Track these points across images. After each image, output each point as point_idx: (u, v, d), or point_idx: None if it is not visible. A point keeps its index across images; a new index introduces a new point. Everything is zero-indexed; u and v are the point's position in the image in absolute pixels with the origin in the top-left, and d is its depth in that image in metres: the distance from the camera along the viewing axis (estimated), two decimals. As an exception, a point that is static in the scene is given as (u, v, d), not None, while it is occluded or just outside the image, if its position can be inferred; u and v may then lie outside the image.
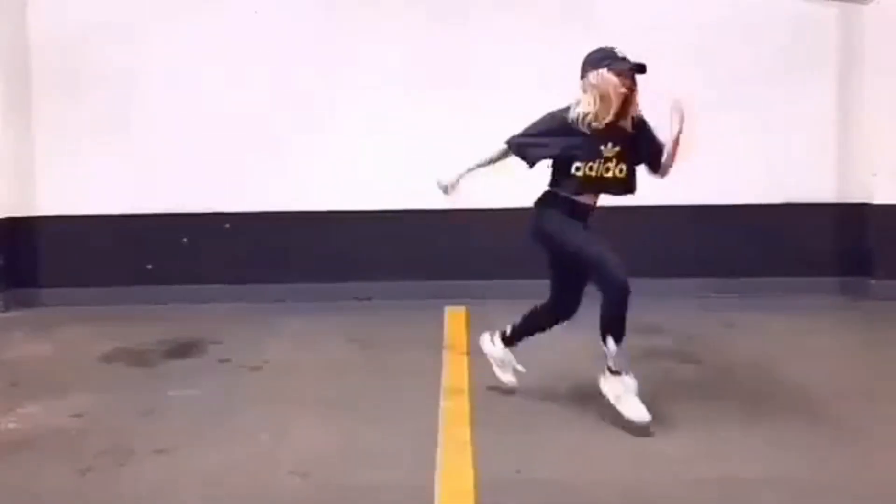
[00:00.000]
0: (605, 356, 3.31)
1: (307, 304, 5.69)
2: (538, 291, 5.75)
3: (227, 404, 3.70)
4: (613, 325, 3.27)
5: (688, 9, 5.82)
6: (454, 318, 5.24)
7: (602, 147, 3.34)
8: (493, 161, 3.62)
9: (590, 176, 3.36)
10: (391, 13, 5.83)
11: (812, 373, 4.10)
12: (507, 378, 3.77)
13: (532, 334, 3.78)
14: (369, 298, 5.88)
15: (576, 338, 4.70)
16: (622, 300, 3.24)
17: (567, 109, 3.43)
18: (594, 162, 3.34)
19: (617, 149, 3.36)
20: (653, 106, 3.57)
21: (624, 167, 3.41)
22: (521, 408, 3.60)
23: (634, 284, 5.80)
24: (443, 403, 3.65)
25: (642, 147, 3.46)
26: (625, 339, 3.28)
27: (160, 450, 3.15)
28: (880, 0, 5.70)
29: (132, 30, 5.82)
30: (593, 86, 3.35)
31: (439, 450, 3.12)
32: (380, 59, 5.85)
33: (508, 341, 3.83)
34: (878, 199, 5.78)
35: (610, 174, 3.38)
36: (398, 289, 5.86)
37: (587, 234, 3.41)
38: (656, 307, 5.46)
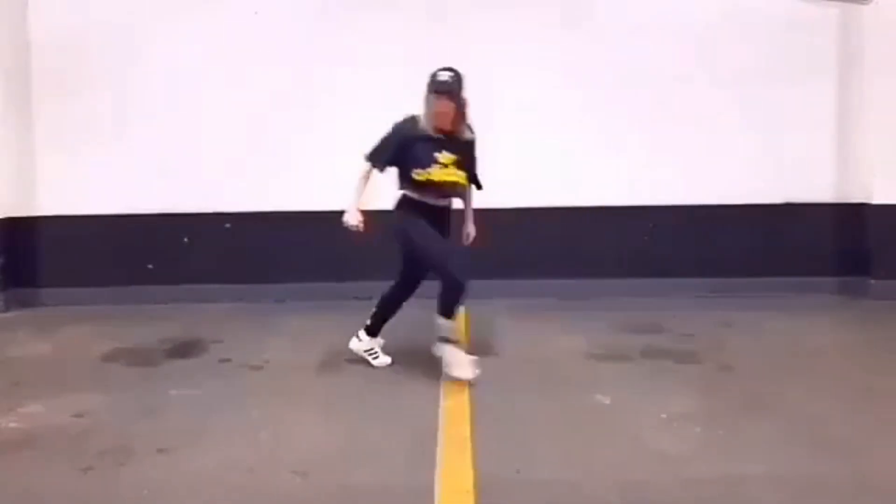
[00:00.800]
0: (439, 328, 3.98)
1: (307, 303, 5.69)
2: (538, 291, 5.83)
3: (227, 404, 3.70)
4: (449, 309, 3.95)
5: (688, 9, 5.83)
6: (454, 317, 5.24)
7: (437, 154, 3.83)
8: (364, 179, 4.01)
9: (430, 179, 3.84)
10: (391, 13, 5.83)
11: (811, 372, 4.11)
12: (379, 362, 4.21)
13: (388, 319, 4.26)
14: (369, 298, 5.85)
15: (572, 339, 4.74)
16: (458, 294, 3.93)
17: (411, 119, 3.92)
18: (430, 168, 3.83)
19: (452, 157, 3.86)
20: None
21: (462, 173, 3.93)
22: (520, 407, 3.60)
23: (635, 284, 5.91)
24: (443, 403, 3.65)
25: (469, 162, 4.01)
26: (454, 316, 3.97)
27: (160, 449, 3.15)
28: (879, 0, 5.70)
29: (132, 30, 5.82)
30: (425, 103, 3.88)
31: (439, 449, 3.13)
32: (380, 59, 5.85)
33: (371, 332, 4.25)
34: (878, 199, 5.79)
35: (450, 177, 3.88)
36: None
37: (434, 237, 3.91)
38: (656, 306, 5.49)
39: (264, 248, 5.92)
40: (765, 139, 5.89)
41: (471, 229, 4.24)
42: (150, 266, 5.92)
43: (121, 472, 2.96)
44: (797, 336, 4.83)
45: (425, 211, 3.94)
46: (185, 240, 5.92)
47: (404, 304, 4.23)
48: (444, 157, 3.85)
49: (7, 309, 5.69)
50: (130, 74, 5.84)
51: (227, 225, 5.91)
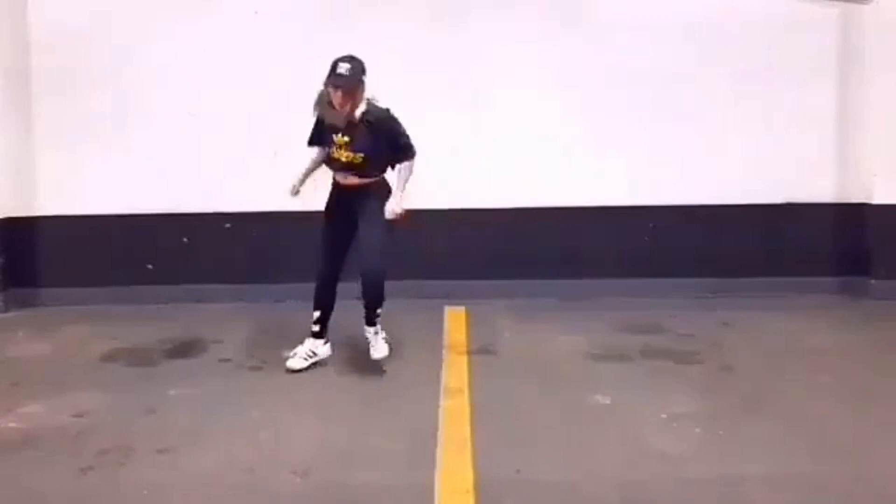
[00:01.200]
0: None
1: (307, 303, 5.66)
2: (538, 291, 5.82)
3: (227, 404, 3.70)
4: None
5: (688, 8, 5.81)
6: (454, 318, 5.25)
7: (334, 136, 4.02)
8: (310, 162, 4.32)
9: (331, 158, 4.09)
10: (391, 13, 5.83)
11: (811, 372, 4.11)
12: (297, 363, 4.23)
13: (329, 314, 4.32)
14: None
15: (572, 339, 4.74)
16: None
17: (321, 96, 4.06)
18: (331, 147, 4.05)
19: (346, 139, 3.98)
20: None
21: (356, 154, 3.99)
22: (520, 407, 3.61)
23: (635, 284, 5.90)
24: (443, 403, 3.65)
25: (381, 144, 4.02)
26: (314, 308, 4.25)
27: (160, 449, 3.15)
28: (880, 0, 5.70)
29: (132, 29, 5.80)
30: (325, 91, 3.99)
31: (439, 449, 3.13)
32: (380, 59, 5.82)
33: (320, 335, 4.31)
34: (878, 199, 5.77)
35: (344, 158, 4.01)
36: (398, 289, 5.86)
37: (327, 229, 4.17)
38: (656, 307, 5.48)
39: (264, 248, 5.91)
40: (765, 139, 5.88)
41: (393, 205, 4.01)
42: (149, 266, 5.91)
43: (121, 472, 2.97)
44: (797, 336, 4.83)
45: (337, 189, 4.16)
46: (185, 240, 5.92)
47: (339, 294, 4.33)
48: (339, 138, 3.99)
49: (7, 309, 5.68)
50: (130, 74, 5.83)
51: (227, 225, 5.90)
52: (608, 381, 3.94)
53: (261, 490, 2.83)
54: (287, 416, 3.55)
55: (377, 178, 4.10)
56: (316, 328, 4.26)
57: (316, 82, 5.82)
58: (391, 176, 4.20)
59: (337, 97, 3.90)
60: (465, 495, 2.73)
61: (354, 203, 4.07)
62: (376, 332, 4.17)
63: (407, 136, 4.07)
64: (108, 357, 4.50)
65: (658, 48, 5.82)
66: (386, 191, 4.10)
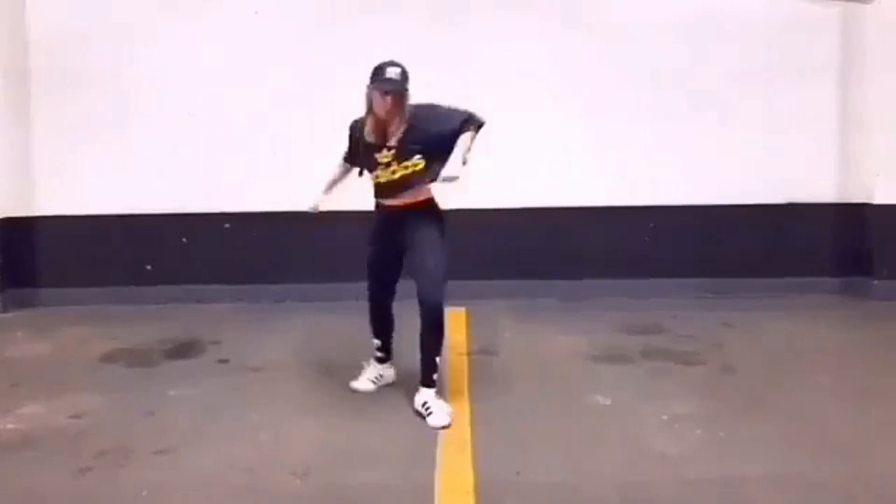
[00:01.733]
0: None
1: (307, 304, 5.68)
2: (538, 291, 5.82)
3: (226, 404, 3.70)
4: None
5: (688, 8, 5.82)
6: (454, 318, 5.22)
7: (377, 155, 3.51)
8: (337, 179, 3.94)
9: (380, 182, 3.57)
10: (392, 13, 5.82)
11: (812, 373, 4.10)
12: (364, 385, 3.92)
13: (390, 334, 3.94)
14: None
15: (572, 340, 4.73)
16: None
17: (359, 120, 3.65)
18: (375, 171, 3.55)
19: (391, 152, 3.49)
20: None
21: (411, 162, 3.46)
22: (520, 408, 3.60)
23: (635, 284, 5.89)
24: (443, 403, 3.64)
25: (436, 135, 3.42)
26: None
27: (160, 450, 3.15)
28: (881, 0, 5.70)
29: (132, 29, 5.81)
30: (366, 98, 3.52)
31: (439, 450, 3.13)
32: (380, 59, 5.83)
33: (384, 360, 3.97)
34: (879, 198, 5.77)
35: (398, 175, 3.49)
36: (398, 288, 5.86)
37: (374, 255, 3.74)
38: (656, 307, 5.48)
39: (264, 248, 5.91)
40: (766, 139, 5.88)
41: (452, 170, 3.30)
42: (149, 266, 5.91)
43: (120, 473, 2.96)
44: (798, 337, 4.82)
45: (382, 214, 3.67)
46: (185, 240, 5.91)
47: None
48: (384, 156, 3.48)
49: (6, 309, 5.67)
50: (130, 74, 5.83)
51: (227, 225, 5.90)
52: (608, 382, 3.93)
53: (261, 491, 2.82)
54: (287, 416, 3.54)
55: (429, 196, 3.59)
56: (379, 354, 3.92)
57: (316, 82, 5.89)
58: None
59: (386, 103, 3.40)
60: (465, 496, 2.73)
61: (406, 227, 3.56)
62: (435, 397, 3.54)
63: (463, 110, 3.49)
64: (108, 357, 4.50)
65: (658, 48, 5.82)
66: (438, 210, 3.63)
